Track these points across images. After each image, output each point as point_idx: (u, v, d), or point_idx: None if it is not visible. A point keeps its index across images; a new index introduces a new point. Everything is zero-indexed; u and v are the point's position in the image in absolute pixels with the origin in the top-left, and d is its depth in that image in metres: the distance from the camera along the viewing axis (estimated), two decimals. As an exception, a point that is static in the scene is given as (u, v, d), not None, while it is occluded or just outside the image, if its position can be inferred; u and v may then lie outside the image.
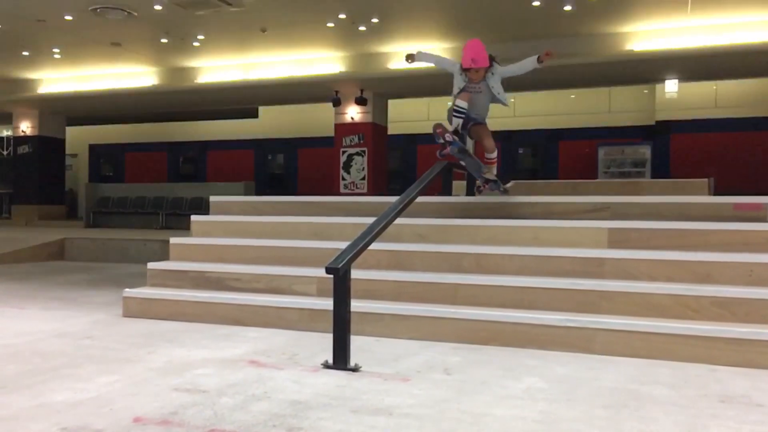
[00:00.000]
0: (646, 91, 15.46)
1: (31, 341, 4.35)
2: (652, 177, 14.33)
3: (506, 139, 16.70)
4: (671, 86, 13.00)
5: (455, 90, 5.43)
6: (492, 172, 5.47)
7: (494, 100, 5.47)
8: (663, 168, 14.88)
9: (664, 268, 4.47)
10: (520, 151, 17.00)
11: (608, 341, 4.06)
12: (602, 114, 15.95)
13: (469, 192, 6.19)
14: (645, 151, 15.11)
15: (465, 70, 5.33)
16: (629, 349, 4.00)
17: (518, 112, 16.65)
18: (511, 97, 16.57)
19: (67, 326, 4.91)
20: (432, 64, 5.73)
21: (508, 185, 5.29)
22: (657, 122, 15.37)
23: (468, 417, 2.85)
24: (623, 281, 4.45)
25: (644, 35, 11.21)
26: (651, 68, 12.06)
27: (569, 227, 5.06)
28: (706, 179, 7.18)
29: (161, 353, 4.03)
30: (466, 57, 5.27)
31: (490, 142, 5.48)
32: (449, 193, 6.15)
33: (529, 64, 5.33)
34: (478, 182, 5.60)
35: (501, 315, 4.32)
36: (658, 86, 14.30)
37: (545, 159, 16.65)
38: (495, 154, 5.50)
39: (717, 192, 7.49)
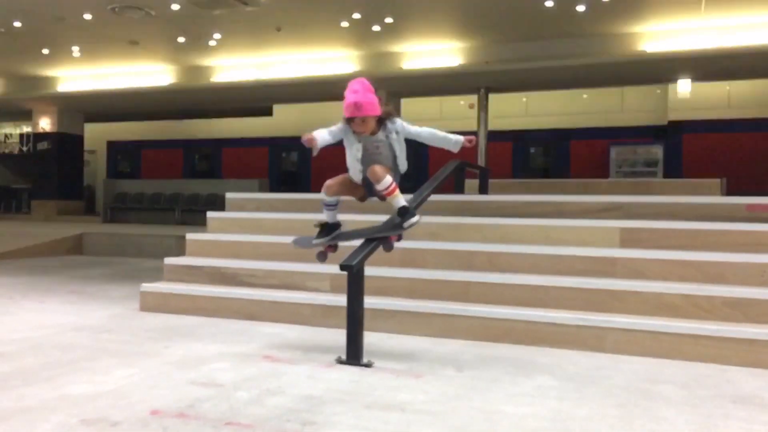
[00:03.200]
0: (658, 91, 15.36)
1: (50, 334, 4.44)
2: (664, 177, 14.24)
3: (518, 138, 16.69)
4: (684, 86, 12.90)
5: (349, 159, 4.00)
6: (398, 200, 3.92)
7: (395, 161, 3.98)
8: (675, 168, 14.79)
9: (676, 268, 4.48)
10: (532, 150, 16.95)
11: (619, 340, 4.08)
12: (614, 114, 15.87)
13: (482, 191, 6.22)
14: (657, 151, 15.02)
15: (349, 121, 3.87)
16: (641, 348, 4.02)
17: (530, 111, 16.61)
18: (523, 96, 16.55)
19: (85, 320, 5.00)
20: (331, 139, 4.01)
21: (414, 219, 3.92)
22: (669, 122, 15.28)
23: (480, 414, 2.89)
24: (635, 281, 4.46)
25: (657, 35, 11.14)
26: (663, 68, 11.98)
27: (581, 226, 5.08)
28: (718, 179, 7.15)
29: (178, 347, 4.10)
30: (347, 103, 3.80)
31: (380, 171, 3.81)
32: (462, 192, 6.18)
33: (445, 141, 4.09)
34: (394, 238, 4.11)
35: (513, 313, 4.35)
36: (670, 86, 14.20)
37: (557, 158, 16.59)
38: (389, 180, 3.83)
39: (729, 192, 7.46)
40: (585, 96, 15.90)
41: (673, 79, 13.06)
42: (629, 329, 4.07)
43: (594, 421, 2.82)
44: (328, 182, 4.06)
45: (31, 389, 3.12)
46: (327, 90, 14.20)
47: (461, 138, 4.07)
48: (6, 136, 22.24)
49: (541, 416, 2.88)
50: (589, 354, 4.05)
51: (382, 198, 3.97)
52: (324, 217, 4.18)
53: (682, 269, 4.46)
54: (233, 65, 14.48)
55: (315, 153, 4.01)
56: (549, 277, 4.60)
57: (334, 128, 3.99)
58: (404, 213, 3.95)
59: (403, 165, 4.04)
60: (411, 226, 3.96)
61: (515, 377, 3.51)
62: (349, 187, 4.10)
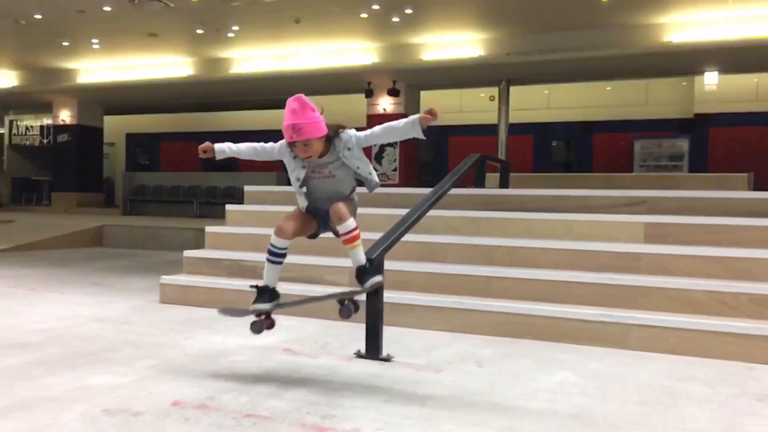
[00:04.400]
0: (684, 84, 15.13)
1: (72, 325, 4.47)
2: (690, 171, 14.04)
3: (539, 131, 16.54)
4: (711, 78, 12.68)
5: (293, 186, 3.35)
6: (359, 253, 3.30)
7: (357, 175, 3.37)
8: (701, 162, 14.57)
9: (702, 264, 4.40)
10: (554, 143, 16.80)
11: (643, 337, 4.01)
12: (639, 106, 15.66)
13: (503, 185, 6.16)
14: (683, 145, 14.81)
15: (290, 145, 3.22)
16: (665, 345, 3.95)
17: (552, 104, 16.45)
18: (545, 89, 16.41)
19: (106, 311, 5.03)
20: (253, 155, 3.48)
21: (377, 279, 3.28)
22: (696, 115, 15.04)
23: (500, 409, 2.86)
24: (660, 277, 4.39)
25: (683, 26, 10.95)
26: (690, 60, 11.79)
27: (605, 221, 5.01)
28: (745, 174, 7.02)
29: (198, 339, 4.11)
30: (284, 126, 3.17)
31: (345, 211, 3.21)
32: (482, 186, 6.13)
33: (405, 128, 3.22)
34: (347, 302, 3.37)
35: (534, 308, 4.30)
36: (697, 78, 13.97)
37: (579, 152, 16.43)
38: (352, 224, 3.24)
39: (757, 188, 7.32)
40: (608, 88, 15.70)
41: (700, 71, 12.85)
42: (653, 326, 4.01)
43: (617, 417, 2.78)
44: (283, 224, 3.22)
45: (54, 379, 3.14)
46: (345, 82, 14.19)
47: (416, 116, 3.17)
48: (27, 128, 22.48)
49: (563, 412, 2.83)
50: (612, 351, 3.99)
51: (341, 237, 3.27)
52: (265, 277, 3.29)
53: (707, 265, 4.38)
54: (251, 57, 14.50)
55: (217, 157, 3.41)
56: (571, 273, 4.55)
57: (267, 146, 3.38)
58: (364, 272, 3.24)
59: (371, 178, 3.35)
60: (374, 287, 3.25)
61: (537, 373, 3.47)
62: (306, 221, 3.34)
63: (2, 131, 22.87)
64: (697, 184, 7.06)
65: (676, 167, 14.55)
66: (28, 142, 22.18)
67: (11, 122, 22.33)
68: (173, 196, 16.10)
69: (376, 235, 4.20)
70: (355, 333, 4.14)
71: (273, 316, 3.41)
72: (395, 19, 11.43)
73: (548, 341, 4.18)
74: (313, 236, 3.46)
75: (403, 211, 4.50)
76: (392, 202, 5.99)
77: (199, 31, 12.73)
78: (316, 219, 3.36)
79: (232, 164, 19.80)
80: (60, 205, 17.94)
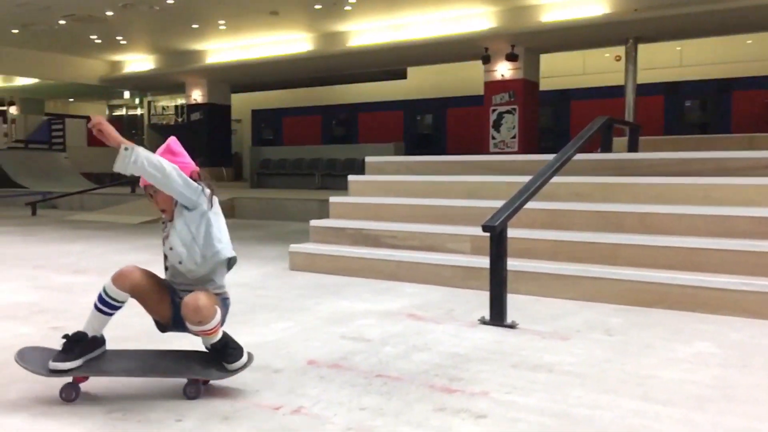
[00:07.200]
0: (841, 32, 13.55)
1: (213, 289, 4.82)
2: None
3: (671, 90, 15.51)
4: None
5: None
6: (214, 339, 2.58)
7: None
8: None
9: None
10: (687, 103, 15.67)
11: (791, 308, 3.73)
12: (785, 60, 14.25)
13: (632, 148, 5.88)
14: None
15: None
16: (816, 317, 3.66)
17: (685, 61, 15.34)
18: (677, 45, 15.26)
19: (242, 278, 5.37)
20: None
21: (243, 360, 2.63)
22: None
23: (633, 378, 2.79)
24: (810, 243, 4.04)
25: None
26: None
27: (745, 184, 4.67)
28: None
29: (327, 304, 4.31)
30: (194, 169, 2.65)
31: (206, 306, 2.48)
32: (609, 150, 5.88)
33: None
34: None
35: (667, 277, 4.11)
36: None
37: (716, 112, 15.24)
38: (214, 323, 2.53)
39: None
40: (749, 42, 14.37)
41: None
42: (803, 296, 3.72)
43: (761, 390, 2.63)
44: (128, 270, 2.51)
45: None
46: (462, 49, 14.00)
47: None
48: (163, 108, 24.14)
49: (701, 383, 2.72)
50: (753, 321, 3.75)
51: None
52: (93, 324, 2.54)
53: None
54: (368, 29, 14.65)
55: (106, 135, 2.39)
56: (708, 240, 4.29)
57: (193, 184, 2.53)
58: (224, 352, 2.59)
59: (208, 250, 2.54)
60: (239, 370, 2.61)
61: (671, 343, 3.33)
62: (158, 293, 2.58)
63: (142, 112, 24.74)
64: None
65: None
66: (164, 122, 23.85)
67: (149, 103, 24.08)
68: (296, 168, 16.73)
69: (497, 203, 4.18)
70: (478, 300, 4.16)
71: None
72: (513, -19, 11.10)
73: (683, 311, 3.99)
74: (163, 327, 2.68)
75: (525, 179, 4.42)
76: (513, 169, 5.91)
77: (317, 7, 13.02)
78: (169, 304, 2.61)
79: (351, 136, 20.28)
80: (195, 179, 19.17)
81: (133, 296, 2.53)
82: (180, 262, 2.53)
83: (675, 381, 2.75)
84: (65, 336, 2.51)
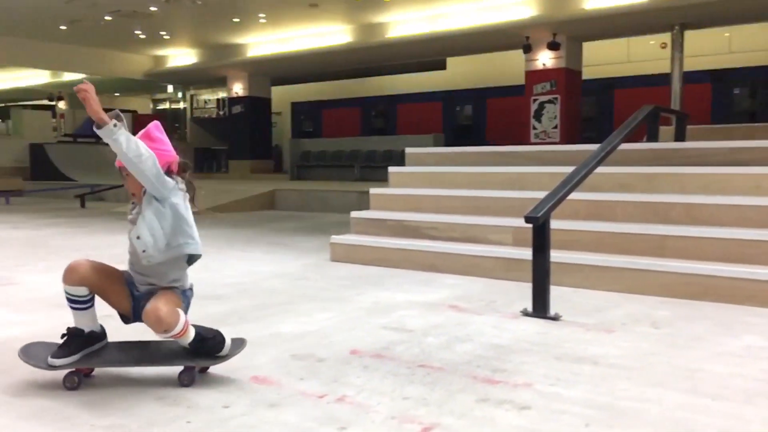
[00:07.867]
0: None
1: (256, 280, 4.91)
2: None
3: (719, 78, 15.07)
4: None
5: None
6: (189, 336, 2.55)
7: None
8: None
9: None
10: (736, 91, 15.18)
11: None
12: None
13: (679, 138, 5.74)
14: None
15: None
16: None
17: (734, 47, 14.86)
18: (726, 31, 14.82)
19: (284, 268, 5.46)
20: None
21: (228, 345, 2.65)
22: None
23: (680, 371, 2.74)
24: None
25: None
26: None
27: (799, 174, 4.52)
28: None
29: (368, 295, 4.34)
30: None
31: (167, 315, 2.44)
32: (655, 140, 5.75)
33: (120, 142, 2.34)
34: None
35: (716, 269, 4.01)
36: None
37: (766, 100, 14.73)
38: (180, 327, 2.49)
39: None
40: (800, 27, 13.86)
41: None
42: None
43: (818, 388, 2.55)
44: (75, 264, 2.57)
45: (247, 326, 3.49)
46: (502, 38, 13.85)
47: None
48: (205, 101, 24.54)
49: (751, 376, 2.66)
50: (808, 315, 3.64)
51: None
52: (79, 320, 2.59)
53: None
54: (407, 20, 14.61)
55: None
56: (760, 231, 4.17)
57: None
58: (203, 347, 2.58)
59: (174, 240, 2.53)
60: (232, 353, 2.67)
61: (720, 336, 3.26)
62: (114, 285, 2.61)
63: (185, 105, 25.19)
64: None
65: None
66: (206, 115, 24.25)
67: (191, 97, 24.52)
68: (335, 160, 16.82)
69: (539, 194, 4.14)
70: (520, 292, 4.13)
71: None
72: (555, -32, 10.92)
73: (732, 304, 3.89)
74: (126, 319, 2.67)
75: (568, 169, 4.36)
76: (555, 160, 5.83)
77: (357, -2, 13.04)
78: (128, 298, 2.63)
79: (389, 128, 20.29)
80: (236, 172, 19.49)
81: (91, 290, 2.54)
82: (144, 251, 2.48)
83: (724, 375, 2.69)
84: (65, 332, 2.56)
